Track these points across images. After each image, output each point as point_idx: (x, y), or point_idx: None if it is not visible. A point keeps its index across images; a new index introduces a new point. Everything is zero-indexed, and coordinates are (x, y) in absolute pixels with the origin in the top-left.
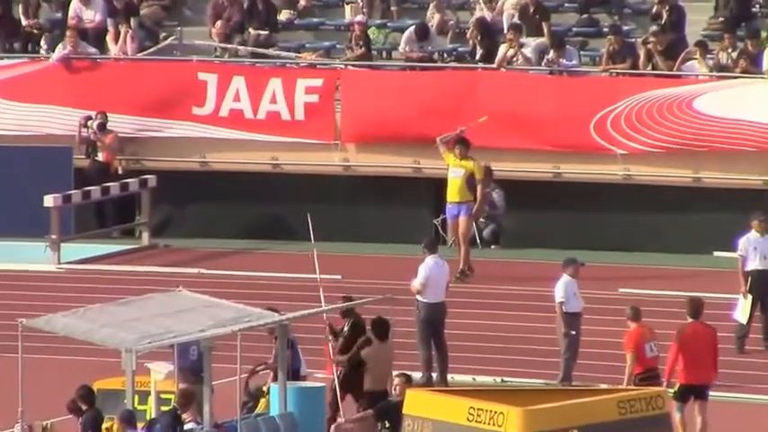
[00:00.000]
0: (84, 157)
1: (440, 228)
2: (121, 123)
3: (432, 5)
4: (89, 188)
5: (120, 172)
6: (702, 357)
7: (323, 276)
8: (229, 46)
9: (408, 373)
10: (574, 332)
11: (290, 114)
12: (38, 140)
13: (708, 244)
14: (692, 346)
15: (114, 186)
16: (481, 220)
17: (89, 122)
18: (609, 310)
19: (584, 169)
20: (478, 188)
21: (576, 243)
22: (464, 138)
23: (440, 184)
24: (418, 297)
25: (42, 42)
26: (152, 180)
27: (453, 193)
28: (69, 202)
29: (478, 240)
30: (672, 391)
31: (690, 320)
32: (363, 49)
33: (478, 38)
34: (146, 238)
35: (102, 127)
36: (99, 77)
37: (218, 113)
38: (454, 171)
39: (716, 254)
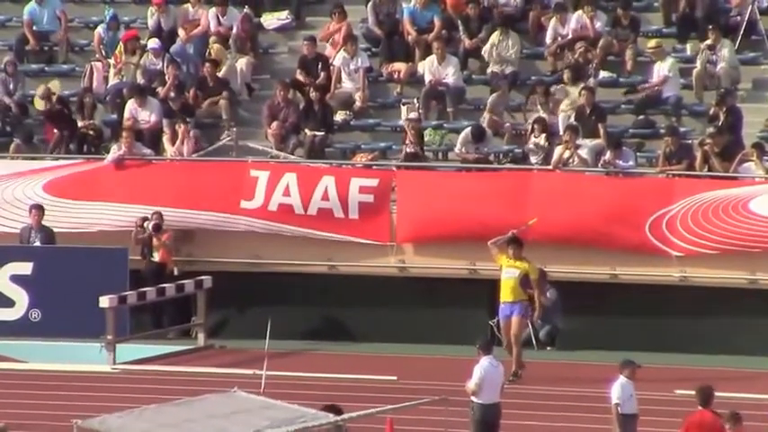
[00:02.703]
0: (140, 257)
1: (495, 329)
2: (169, 216)
3: (488, 107)
4: (145, 289)
5: (175, 273)
6: None
7: (379, 377)
8: (283, 155)
9: None
10: None
11: (344, 212)
12: (90, 237)
13: (764, 345)
14: None
15: (170, 287)
16: (537, 321)
17: (145, 224)
18: (665, 411)
19: (640, 271)
20: (536, 290)
21: (632, 344)
22: (517, 237)
23: (495, 286)
24: (473, 398)
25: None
26: (208, 281)
27: (507, 293)
28: (125, 303)
29: (534, 342)
30: None
31: (699, 408)
32: (418, 148)
33: (542, 135)
34: (201, 339)
35: (158, 228)
36: (150, 174)
37: (266, 207)
38: (508, 271)
39: None
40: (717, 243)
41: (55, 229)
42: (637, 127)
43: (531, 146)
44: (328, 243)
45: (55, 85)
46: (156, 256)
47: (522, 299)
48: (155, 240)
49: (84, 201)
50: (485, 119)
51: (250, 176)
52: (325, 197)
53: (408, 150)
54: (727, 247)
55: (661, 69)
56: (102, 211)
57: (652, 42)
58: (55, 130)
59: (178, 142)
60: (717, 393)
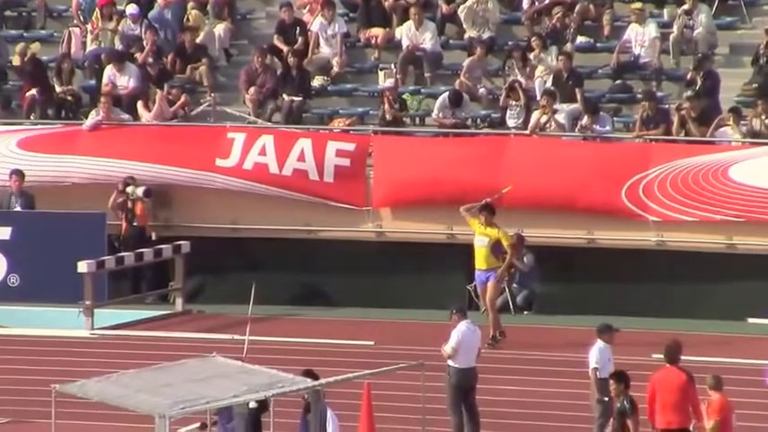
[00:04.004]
0: (120, 221)
1: (473, 294)
2: (143, 171)
3: (464, 70)
4: (122, 254)
5: (153, 238)
6: (675, 402)
7: (357, 342)
8: (260, 121)
9: None
10: (607, 398)
11: (319, 175)
12: (61, 191)
13: (741, 311)
14: (664, 391)
15: (148, 252)
16: (514, 285)
17: (128, 189)
18: (642, 376)
19: (617, 236)
20: (509, 255)
21: (609, 309)
22: (490, 205)
23: (472, 251)
24: (449, 362)
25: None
26: (186, 246)
27: (480, 261)
28: (103, 267)
29: (512, 306)
30: None
31: (666, 365)
32: (398, 108)
33: (519, 99)
34: (179, 304)
35: (149, 193)
36: (127, 134)
37: (241, 166)
38: (479, 239)
39: (750, 320)
40: (696, 210)
41: (28, 182)
42: (614, 92)
43: (511, 103)
44: (305, 206)
45: (36, 47)
46: (137, 221)
47: (496, 266)
48: (139, 205)
49: (58, 154)
50: (459, 83)
51: (226, 138)
52: (301, 158)
53: (387, 118)
54: (705, 214)
55: (644, 33)
56: (75, 165)
57: (637, 5)
58: (27, 94)
59: (156, 108)
60: (693, 358)
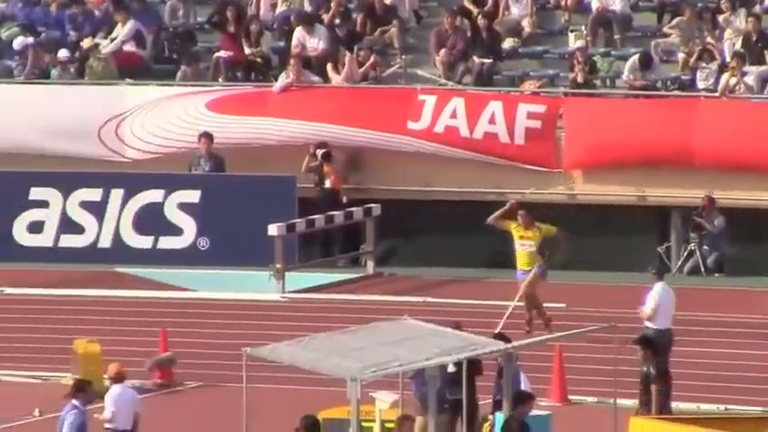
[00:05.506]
0: (312, 185)
1: (664, 256)
2: (335, 133)
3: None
4: (313, 217)
5: (345, 201)
6: None
7: (548, 305)
8: (450, 84)
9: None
10: None
11: (510, 138)
12: (252, 153)
13: None
14: None
15: (339, 215)
16: (705, 247)
17: (317, 152)
18: None
19: None
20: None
21: None
22: (524, 204)
23: (665, 213)
24: (647, 323)
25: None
26: (376, 209)
27: (523, 263)
28: (293, 231)
29: (702, 268)
30: None
31: None
32: (588, 70)
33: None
34: (370, 267)
35: (328, 156)
36: (317, 96)
37: (432, 129)
38: (522, 244)
39: None
40: None
41: (217, 144)
42: None
43: (702, 64)
44: (495, 169)
45: None
46: (328, 183)
47: (537, 263)
48: (325, 168)
49: (248, 116)
50: (661, 42)
51: (417, 100)
52: (492, 121)
53: (578, 80)
54: None
55: None
56: (265, 127)
57: None
58: (214, 55)
59: (345, 70)
60: None
